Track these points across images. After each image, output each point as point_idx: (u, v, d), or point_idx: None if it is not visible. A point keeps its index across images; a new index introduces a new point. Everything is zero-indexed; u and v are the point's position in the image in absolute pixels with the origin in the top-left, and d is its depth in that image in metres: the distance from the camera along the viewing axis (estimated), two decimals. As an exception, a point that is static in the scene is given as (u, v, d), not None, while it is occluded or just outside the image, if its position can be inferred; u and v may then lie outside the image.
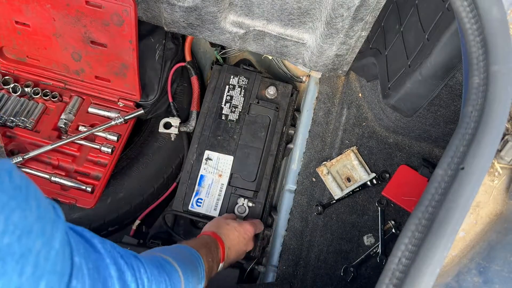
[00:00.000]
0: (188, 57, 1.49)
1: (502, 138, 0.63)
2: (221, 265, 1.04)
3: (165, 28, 1.33)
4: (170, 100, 1.45)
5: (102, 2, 1.14)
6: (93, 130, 1.32)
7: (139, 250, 1.33)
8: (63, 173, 1.28)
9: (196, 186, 1.32)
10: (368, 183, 1.28)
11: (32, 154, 1.26)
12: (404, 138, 1.32)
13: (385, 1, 1.02)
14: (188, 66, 1.49)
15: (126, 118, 1.34)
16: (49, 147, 1.27)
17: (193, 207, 1.30)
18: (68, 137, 1.30)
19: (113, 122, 1.33)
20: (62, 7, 1.18)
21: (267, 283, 1.25)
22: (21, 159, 1.24)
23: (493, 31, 0.58)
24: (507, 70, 0.56)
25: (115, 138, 1.33)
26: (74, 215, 1.29)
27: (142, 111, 1.36)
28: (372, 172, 1.30)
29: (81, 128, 1.35)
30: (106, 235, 1.38)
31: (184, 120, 1.46)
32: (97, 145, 1.31)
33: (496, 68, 0.56)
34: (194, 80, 1.50)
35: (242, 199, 1.30)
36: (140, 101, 1.39)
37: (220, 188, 1.32)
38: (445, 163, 0.55)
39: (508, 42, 0.57)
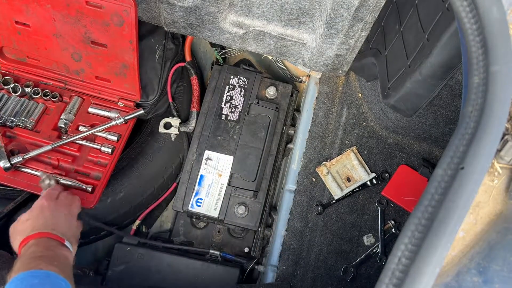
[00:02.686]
0: (188, 57, 1.49)
1: (502, 138, 0.63)
2: (67, 244, 0.94)
3: (165, 28, 1.33)
4: (170, 100, 1.44)
5: (102, 2, 1.14)
6: (93, 130, 1.32)
7: (139, 250, 1.34)
8: (63, 173, 1.28)
9: (196, 186, 1.32)
10: (368, 183, 1.29)
11: (32, 154, 1.26)
12: (404, 138, 1.32)
13: (385, 1, 1.02)
14: (188, 66, 1.49)
15: (126, 118, 1.34)
16: (49, 147, 1.27)
17: (193, 207, 1.30)
18: (68, 137, 1.30)
19: (113, 122, 1.33)
20: (62, 7, 1.18)
21: (267, 284, 1.25)
22: (21, 159, 1.24)
23: (493, 31, 0.58)
24: (507, 70, 0.56)
25: (115, 138, 1.33)
26: (74, 215, 1.29)
27: (142, 111, 1.36)
28: (372, 172, 1.30)
29: (81, 128, 1.35)
30: (106, 235, 1.39)
31: (184, 120, 1.46)
32: (97, 145, 1.31)
33: (496, 68, 0.56)
34: (194, 80, 1.50)
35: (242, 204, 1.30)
36: (140, 101, 1.39)
37: (220, 188, 1.32)
38: (445, 163, 0.55)
39: (508, 42, 0.58)
